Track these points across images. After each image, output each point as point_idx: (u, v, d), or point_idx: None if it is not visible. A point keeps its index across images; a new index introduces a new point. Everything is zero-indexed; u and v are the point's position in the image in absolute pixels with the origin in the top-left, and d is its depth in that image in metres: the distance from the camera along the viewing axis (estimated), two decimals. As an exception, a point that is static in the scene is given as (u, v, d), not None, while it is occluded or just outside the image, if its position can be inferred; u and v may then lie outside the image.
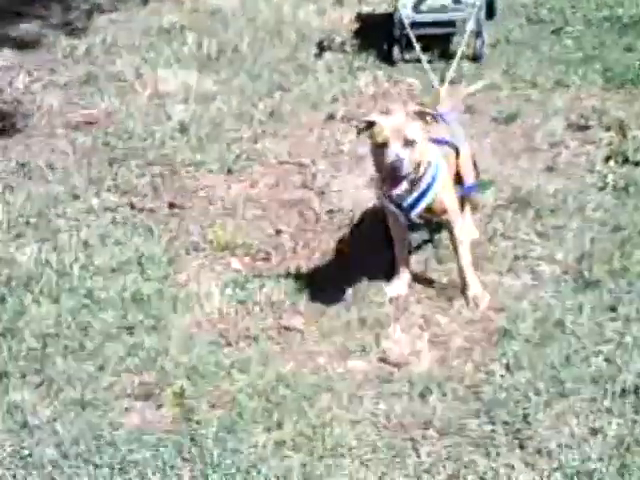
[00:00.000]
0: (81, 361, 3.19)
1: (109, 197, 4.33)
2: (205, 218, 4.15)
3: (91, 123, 5.15)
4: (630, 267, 3.48)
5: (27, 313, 3.42)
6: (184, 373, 3.11)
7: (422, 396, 2.97)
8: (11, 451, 2.78)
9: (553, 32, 5.98)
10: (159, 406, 2.99)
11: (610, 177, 4.14)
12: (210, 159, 4.64)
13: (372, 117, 3.28)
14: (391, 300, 3.42)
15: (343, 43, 6.06)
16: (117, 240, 3.94)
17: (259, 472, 2.68)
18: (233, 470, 2.69)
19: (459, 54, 4.46)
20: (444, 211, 3.35)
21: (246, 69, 5.79)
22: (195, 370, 3.12)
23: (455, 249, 3.41)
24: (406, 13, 5.54)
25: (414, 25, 5.38)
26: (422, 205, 3.28)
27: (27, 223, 4.07)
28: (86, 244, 3.90)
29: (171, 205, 4.26)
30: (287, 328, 3.37)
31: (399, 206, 3.30)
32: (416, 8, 5.66)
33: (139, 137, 4.90)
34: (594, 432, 2.73)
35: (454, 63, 4.30)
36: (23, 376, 3.11)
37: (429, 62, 4.74)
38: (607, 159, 4.32)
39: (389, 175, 3.11)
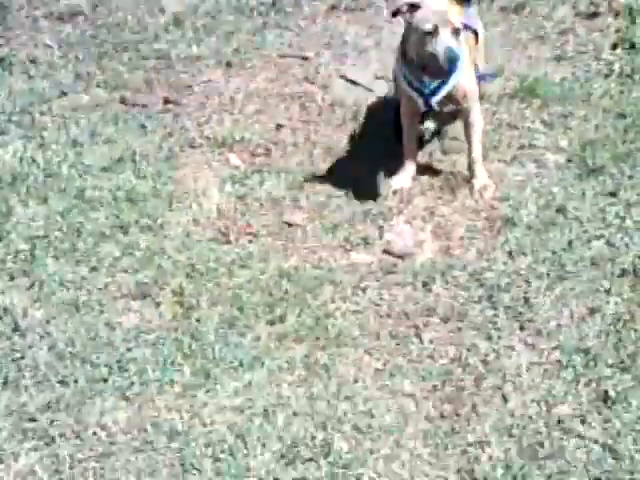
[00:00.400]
0: (73, 263, 3.06)
1: (99, 93, 4.11)
2: (202, 114, 3.94)
3: (76, 14, 4.86)
4: (633, 153, 3.40)
5: (13, 215, 3.27)
6: (183, 271, 2.99)
7: (425, 285, 2.91)
8: (2, 354, 2.67)
9: None
10: (158, 305, 2.87)
11: (616, 64, 4.01)
12: (207, 53, 4.39)
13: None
14: (395, 192, 3.29)
15: None
16: (108, 138, 3.75)
17: (262, 365, 2.60)
18: (235, 364, 2.61)
19: None
20: (465, 97, 3.22)
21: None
22: (194, 268, 3.01)
23: (469, 137, 3.31)
24: None
25: None
26: (445, 91, 3.15)
27: (9, 120, 3.86)
28: (75, 142, 3.71)
29: (166, 101, 4.05)
30: (288, 224, 3.23)
31: (419, 91, 3.16)
32: None
33: (130, 30, 4.62)
34: (592, 312, 2.73)
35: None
36: (12, 279, 2.99)
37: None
38: (614, 46, 4.17)
39: (435, 65, 2.96)
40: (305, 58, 4.36)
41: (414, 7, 2.99)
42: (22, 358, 2.67)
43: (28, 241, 3.14)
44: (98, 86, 4.15)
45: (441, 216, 3.20)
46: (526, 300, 2.78)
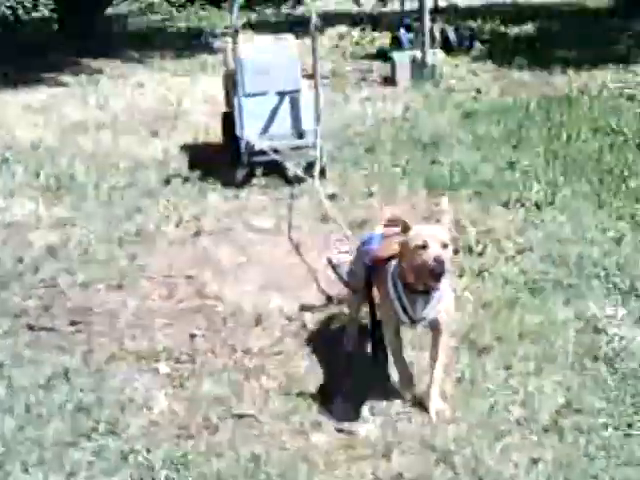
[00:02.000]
0: (46, 471, 3.09)
1: (2, 322, 4.20)
2: (113, 331, 4.16)
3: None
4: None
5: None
6: (162, 466, 3.13)
7: (384, 455, 3.23)
8: None
9: (367, 151, 6.75)
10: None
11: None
12: (94, 278, 4.67)
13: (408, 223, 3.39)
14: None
15: (179, 169, 6.41)
16: (30, 359, 3.85)
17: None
18: None
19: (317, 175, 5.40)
20: (443, 316, 3.48)
21: (91, 196, 5.89)
22: (171, 462, 3.15)
23: (435, 357, 3.52)
24: (252, 141, 6.01)
25: (260, 152, 5.91)
26: (435, 310, 3.43)
27: None
28: (1, 365, 3.77)
29: (72, 323, 4.23)
30: (241, 416, 3.49)
31: (405, 310, 3.43)
32: (261, 137, 6.13)
33: (8, 263, 4.81)
34: (534, 461, 3.17)
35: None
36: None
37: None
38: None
39: (430, 273, 3.24)
40: (189, 277, 4.77)
41: (407, 227, 3.35)
42: None
43: (-7, 459, 3.14)
44: (-1, 315, 4.25)
45: (380, 394, 3.57)
46: (475, 457, 3.17)
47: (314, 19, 6.08)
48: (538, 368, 3.74)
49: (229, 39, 6.37)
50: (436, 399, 3.52)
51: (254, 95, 6.12)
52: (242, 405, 3.56)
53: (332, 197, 5.73)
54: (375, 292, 3.68)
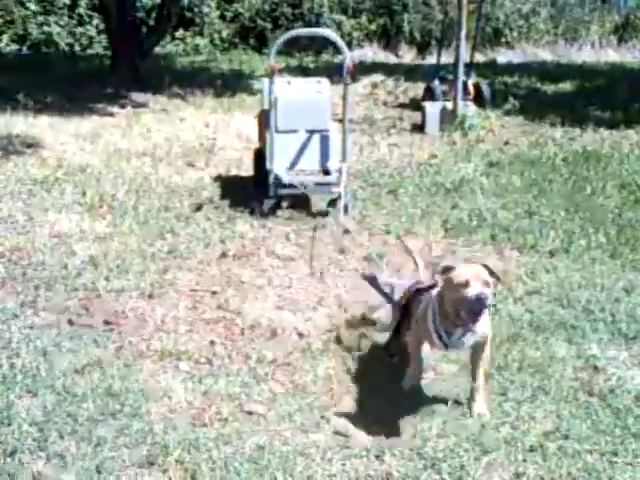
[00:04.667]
0: (77, 440, 3.56)
1: (47, 316, 4.71)
2: (142, 333, 4.64)
3: (-2, 257, 5.51)
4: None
5: (14, 406, 3.75)
6: (177, 447, 3.56)
7: (377, 457, 3.61)
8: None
9: (390, 192, 7.23)
10: (165, 471, 3.42)
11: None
12: (128, 287, 5.17)
13: (449, 264, 3.69)
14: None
15: (211, 198, 6.95)
16: (70, 349, 4.34)
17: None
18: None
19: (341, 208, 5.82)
20: (483, 343, 3.83)
21: (130, 215, 6.43)
22: (185, 445, 3.58)
23: (476, 369, 3.88)
24: (281, 175, 6.55)
25: (287, 186, 6.42)
26: (471, 339, 3.75)
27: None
28: (44, 351, 4.27)
29: (106, 322, 4.72)
30: (250, 412, 3.94)
31: (442, 340, 3.76)
32: (289, 171, 6.68)
33: (54, 268, 5.34)
34: (518, 476, 3.49)
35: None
36: (31, 452, 3.46)
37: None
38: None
39: (471, 309, 3.51)
40: (213, 292, 5.26)
41: (449, 269, 3.64)
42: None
43: (34, 425, 3.61)
44: (44, 310, 4.76)
45: (379, 403, 3.96)
46: (462, 467, 3.52)
47: (346, 66, 6.61)
48: (532, 397, 4.02)
49: (266, 80, 6.91)
50: (480, 403, 3.86)
51: (285, 132, 6.66)
52: (251, 403, 4.00)
53: (347, 232, 6.20)
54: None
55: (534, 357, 4.38)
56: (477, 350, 3.86)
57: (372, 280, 4.89)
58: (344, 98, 6.72)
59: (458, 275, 3.57)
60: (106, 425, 3.69)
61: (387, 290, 4.59)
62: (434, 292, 3.85)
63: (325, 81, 7.08)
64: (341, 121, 6.85)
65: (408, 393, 4.06)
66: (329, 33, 7.13)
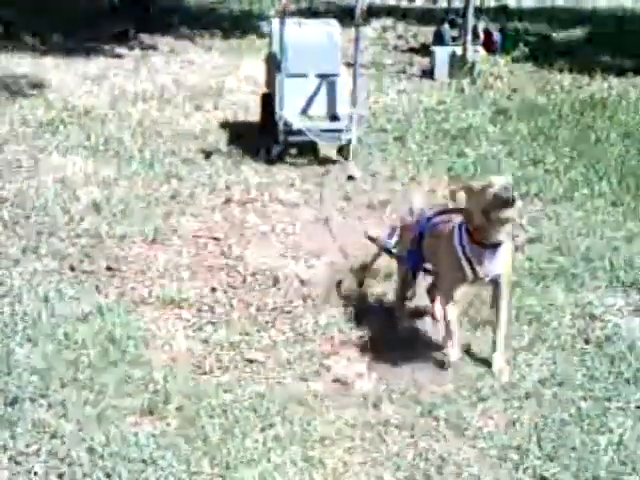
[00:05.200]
0: (79, 388, 3.58)
1: (48, 262, 4.71)
2: (144, 278, 4.65)
3: (2, 201, 5.49)
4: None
5: (14, 354, 3.78)
6: (177, 395, 3.58)
7: (375, 405, 3.64)
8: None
9: (397, 139, 7.16)
10: (164, 418, 3.45)
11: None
12: (131, 232, 5.16)
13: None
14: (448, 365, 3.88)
15: (217, 142, 6.89)
16: (72, 296, 4.35)
17: (269, 460, 3.23)
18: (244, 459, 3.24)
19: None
20: (506, 267, 3.84)
21: (136, 159, 6.39)
22: (185, 392, 3.61)
23: (498, 310, 3.88)
24: (291, 120, 6.44)
25: (297, 132, 6.34)
26: (500, 266, 3.78)
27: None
28: (46, 298, 4.28)
29: (109, 268, 4.72)
30: (250, 360, 3.96)
31: (471, 265, 3.75)
32: (299, 116, 6.58)
33: (57, 213, 5.33)
34: (513, 422, 3.53)
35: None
36: (33, 401, 3.48)
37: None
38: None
39: (501, 201, 3.54)
40: (216, 239, 5.24)
41: (469, 186, 3.76)
42: (62, 460, 3.16)
43: (35, 373, 3.63)
44: (46, 256, 4.76)
45: (379, 352, 4.00)
46: (458, 413, 3.56)
47: (359, 9, 6.47)
48: (530, 345, 4.07)
49: (275, 21, 6.78)
50: (499, 358, 3.86)
51: (295, 76, 6.54)
52: (252, 351, 4.02)
53: (351, 178, 6.15)
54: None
55: (532, 305, 4.40)
56: (499, 288, 3.85)
57: (375, 240, 4.83)
58: (356, 41, 6.60)
59: (476, 183, 3.70)
60: (107, 373, 3.72)
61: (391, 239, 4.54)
62: (456, 220, 3.82)
63: (335, 23, 6.93)
64: (351, 65, 6.74)
65: (407, 341, 4.10)
66: None
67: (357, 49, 6.60)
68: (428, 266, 4.18)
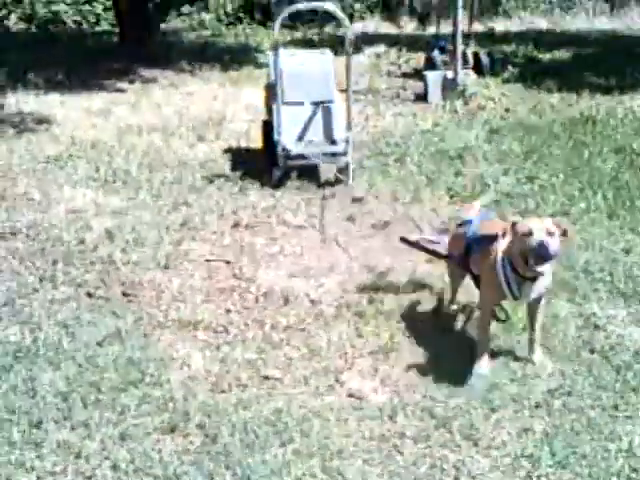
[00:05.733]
0: (102, 409, 3.69)
1: (66, 290, 4.83)
2: (160, 303, 4.76)
3: (14, 234, 5.63)
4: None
5: (38, 378, 3.89)
6: (198, 412, 3.68)
7: (390, 417, 3.73)
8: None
9: (396, 161, 7.32)
10: (186, 436, 3.54)
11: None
12: (144, 258, 5.29)
13: (513, 219, 3.96)
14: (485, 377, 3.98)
15: (222, 170, 7.05)
16: (89, 321, 4.46)
17: (289, 473, 3.33)
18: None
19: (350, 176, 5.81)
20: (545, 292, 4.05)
21: (144, 189, 6.53)
22: (205, 410, 3.71)
23: (534, 321, 4.12)
24: (289, 146, 6.65)
25: (296, 157, 6.50)
26: (539, 288, 3.96)
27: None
28: (64, 324, 4.39)
29: (124, 294, 4.84)
30: (267, 377, 4.06)
31: (512, 292, 3.92)
32: (296, 142, 6.78)
33: (71, 243, 5.46)
34: (525, 430, 3.62)
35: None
36: (65, 419, 3.61)
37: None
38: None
39: (535, 256, 3.73)
40: (227, 262, 5.37)
41: (515, 223, 3.86)
42: (89, 478, 3.26)
43: (58, 395, 3.74)
44: (63, 284, 4.88)
45: (385, 371, 4.08)
46: (472, 425, 3.65)
47: (349, 38, 6.67)
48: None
49: (271, 52, 6.97)
50: (539, 352, 4.10)
51: (292, 104, 6.74)
52: (268, 369, 4.12)
53: (357, 200, 6.30)
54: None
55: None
56: (537, 302, 4.06)
57: (414, 243, 5.04)
58: (347, 69, 6.79)
59: (523, 225, 3.80)
60: (128, 394, 3.82)
61: (432, 247, 4.81)
62: (502, 243, 3.94)
63: (328, 52, 7.17)
64: (344, 91, 6.92)
65: (419, 355, 4.19)
66: (330, 6, 7.17)
67: (349, 76, 6.79)
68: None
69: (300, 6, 7.09)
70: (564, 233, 3.83)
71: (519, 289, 3.92)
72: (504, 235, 3.92)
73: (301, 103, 6.83)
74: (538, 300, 4.06)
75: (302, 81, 6.81)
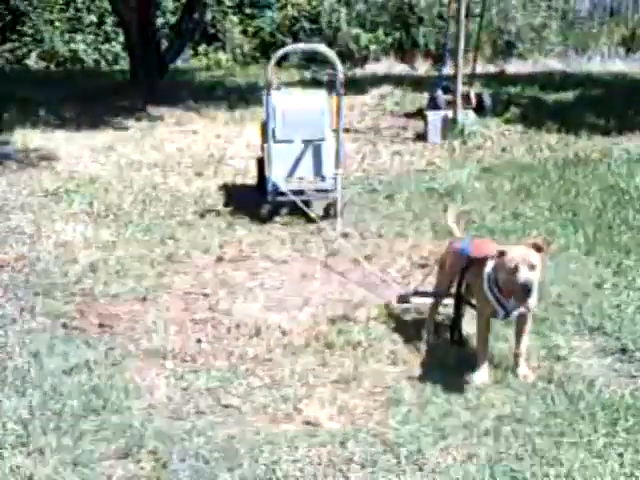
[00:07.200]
0: (60, 434, 3.80)
1: (43, 320, 4.98)
2: (133, 334, 4.88)
3: (2, 266, 5.81)
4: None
5: (2, 407, 4.02)
6: (152, 439, 3.78)
7: (342, 443, 3.81)
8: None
9: (385, 198, 7.44)
10: (138, 461, 3.64)
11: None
12: (124, 291, 5.43)
13: (502, 248, 4.15)
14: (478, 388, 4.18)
15: (214, 205, 7.21)
16: (61, 351, 4.59)
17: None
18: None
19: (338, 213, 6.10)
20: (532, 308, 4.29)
21: (135, 224, 6.71)
22: (160, 437, 3.81)
23: (520, 337, 4.31)
24: (279, 183, 6.82)
25: (284, 193, 6.68)
26: (529, 304, 4.19)
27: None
28: (36, 354, 4.53)
29: (100, 325, 4.98)
30: (226, 406, 4.16)
31: (503, 307, 4.19)
32: (287, 179, 6.95)
33: (55, 275, 5.62)
34: (470, 456, 3.68)
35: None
36: (13, 447, 3.71)
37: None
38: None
39: (520, 292, 4.02)
40: (205, 294, 5.49)
41: (502, 253, 4.08)
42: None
43: (19, 422, 3.86)
44: (42, 315, 5.03)
45: (344, 400, 4.17)
46: (419, 450, 3.72)
47: (339, 79, 6.83)
48: (494, 385, 4.24)
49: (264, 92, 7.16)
50: (523, 366, 4.30)
51: (283, 141, 6.91)
52: (228, 397, 4.22)
53: (344, 235, 6.42)
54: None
55: (501, 348, 4.56)
56: (523, 319, 4.28)
57: (412, 295, 5.12)
58: (337, 108, 6.94)
59: (509, 260, 4.01)
60: (88, 421, 3.93)
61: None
62: (489, 267, 4.19)
63: (322, 92, 7.35)
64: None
65: (380, 383, 4.27)
66: (323, 48, 7.37)
67: (340, 116, 6.94)
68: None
69: (295, 47, 7.23)
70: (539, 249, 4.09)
71: (509, 304, 4.16)
72: (492, 258, 4.17)
73: (291, 141, 6.99)
74: (523, 318, 4.27)
75: (294, 119, 6.97)
